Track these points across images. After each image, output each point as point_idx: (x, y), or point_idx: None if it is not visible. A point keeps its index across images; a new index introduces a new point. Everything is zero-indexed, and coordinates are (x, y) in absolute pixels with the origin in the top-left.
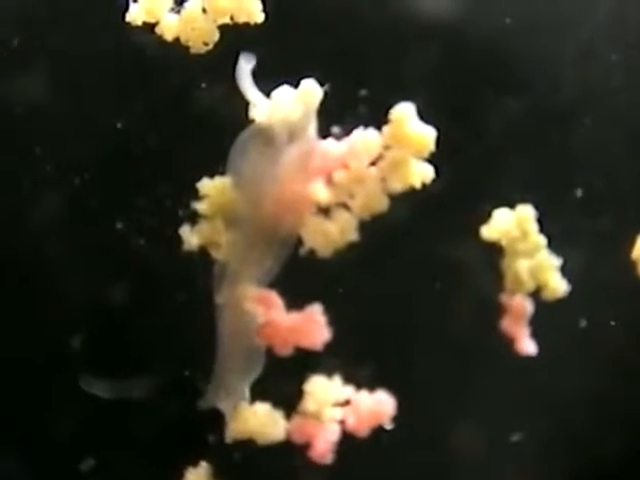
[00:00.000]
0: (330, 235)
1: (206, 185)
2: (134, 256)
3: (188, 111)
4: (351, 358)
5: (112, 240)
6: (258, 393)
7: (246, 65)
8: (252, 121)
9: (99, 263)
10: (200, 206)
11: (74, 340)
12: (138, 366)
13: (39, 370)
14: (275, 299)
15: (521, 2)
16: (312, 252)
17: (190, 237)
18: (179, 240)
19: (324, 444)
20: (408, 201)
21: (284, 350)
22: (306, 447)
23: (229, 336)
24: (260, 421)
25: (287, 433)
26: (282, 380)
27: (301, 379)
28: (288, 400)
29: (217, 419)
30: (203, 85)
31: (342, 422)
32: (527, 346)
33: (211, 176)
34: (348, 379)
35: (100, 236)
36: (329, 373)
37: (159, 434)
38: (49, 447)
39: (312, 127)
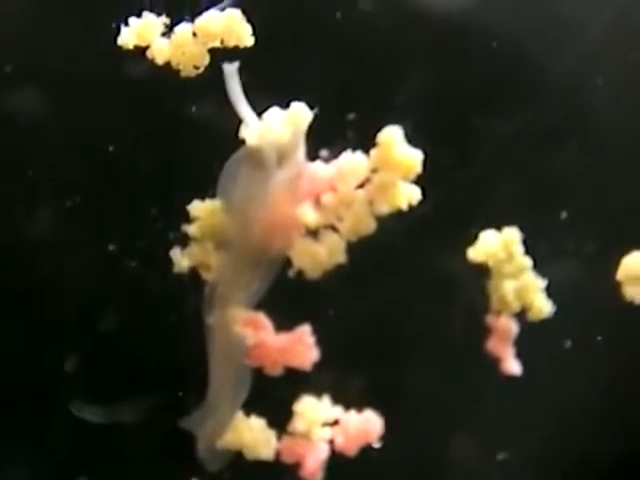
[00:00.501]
0: (318, 257)
1: (196, 207)
2: (126, 278)
3: (179, 134)
4: (340, 376)
5: (104, 262)
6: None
7: (233, 76)
8: (242, 144)
9: (91, 285)
10: (190, 228)
11: (66, 363)
12: (129, 388)
13: (31, 392)
14: (264, 321)
15: (508, 27)
16: (301, 274)
17: (180, 259)
18: (170, 262)
19: (314, 463)
20: (395, 223)
21: (274, 371)
22: (296, 466)
23: (219, 357)
24: (254, 435)
25: (277, 452)
26: (272, 401)
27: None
28: (278, 420)
29: None
30: (193, 109)
31: (331, 441)
32: (512, 366)
33: (202, 199)
34: (338, 397)
35: (92, 258)
36: (318, 393)
37: (151, 452)
38: (42, 466)
39: (301, 150)
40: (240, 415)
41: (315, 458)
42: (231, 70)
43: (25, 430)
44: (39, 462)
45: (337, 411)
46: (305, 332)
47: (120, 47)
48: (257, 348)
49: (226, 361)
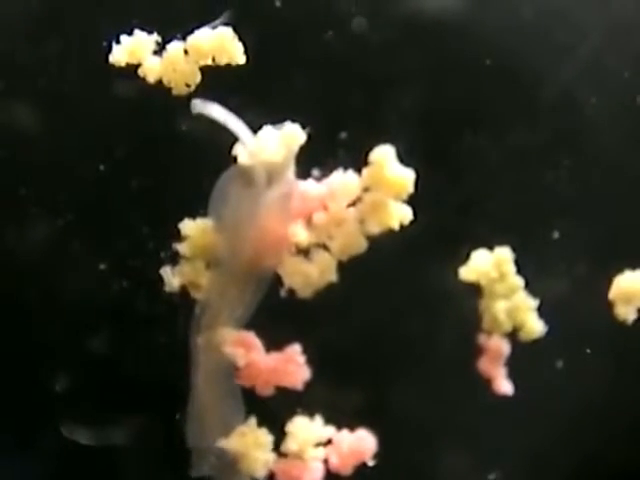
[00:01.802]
0: (310, 276)
1: (187, 226)
2: (117, 298)
3: (170, 153)
4: (332, 395)
5: (95, 282)
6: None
7: (203, 104)
8: (234, 162)
9: (81, 304)
10: (181, 247)
11: (56, 383)
12: (120, 409)
13: (21, 412)
14: (254, 340)
15: (501, 46)
16: (292, 292)
17: (171, 278)
18: (161, 281)
19: None
20: (387, 242)
21: (265, 391)
22: None
23: (207, 378)
24: (253, 442)
25: (271, 474)
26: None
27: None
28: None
29: None
30: (184, 128)
31: (325, 461)
32: (504, 386)
33: (193, 217)
34: (330, 416)
35: (83, 277)
36: (310, 412)
37: (141, 474)
38: None
39: (291, 170)
40: (248, 427)
41: (310, 479)
42: (200, 106)
43: (14, 451)
44: None
45: (330, 430)
46: (296, 351)
47: (111, 65)
48: (248, 368)
49: (215, 382)
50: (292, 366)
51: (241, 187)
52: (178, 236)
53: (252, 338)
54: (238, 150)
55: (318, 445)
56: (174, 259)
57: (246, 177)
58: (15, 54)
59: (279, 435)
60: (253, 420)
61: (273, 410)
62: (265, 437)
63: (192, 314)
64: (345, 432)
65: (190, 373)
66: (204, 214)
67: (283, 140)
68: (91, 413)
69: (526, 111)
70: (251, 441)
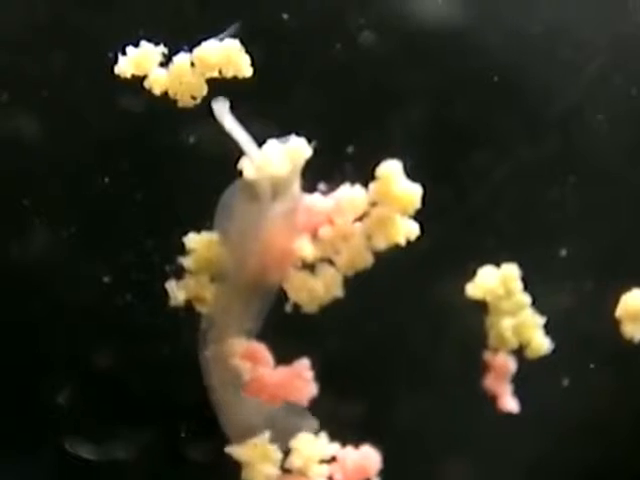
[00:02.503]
0: (315, 291)
1: (192, 240)
2: (120, 311)
3: (175, 165)
4: (336, 411)
5: (99, 295)
6: None
7: (224, 108)
8: (239, 176)
9: (85, 318)
10: (186, 261)
11: (59, 397)
12: (123, 424)
13: (23, 426)
14: (263, 353)
15: (508, 63)
16: (297, 307)
17: (176, 292)
18: (165, 295)
19: None
20: (394, 258)
21: (271, 404)
22: None
23: (220, 389)
24: (262, 454)
25: None
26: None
27: None
28: None
29: (203, 475)
30: (191, 140)
31: (329, 478)
32: (509, 404)
33: (198, 231)
34: (334, 432)
35: (86, 290)
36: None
37: None
38: None
39: (296, 184)
40: (260, 440)
41: None
42: (221, 108)
43: (16, 465)
44: None
45: (334, 447)
46: (304, 367)
47: (117, 76)
48: (254, 382)
49: (227, 391)
50: (300, 382)
51: (246, 201)
52: (183, 249)
53: (262, 350)
54: (243, 164)
55: (322, 462)
56: (179, 273)
57: (251, 191)
58: (19, 65)
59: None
60: (267, 434)
61: None
62: (275, 453)
63: (196, 328)
64: (350, 449)
65: (194, 387)
66: (209, 227)
67: (288, 154)
68: (94, 427)
69: (533, 127)
70: (260, 454)
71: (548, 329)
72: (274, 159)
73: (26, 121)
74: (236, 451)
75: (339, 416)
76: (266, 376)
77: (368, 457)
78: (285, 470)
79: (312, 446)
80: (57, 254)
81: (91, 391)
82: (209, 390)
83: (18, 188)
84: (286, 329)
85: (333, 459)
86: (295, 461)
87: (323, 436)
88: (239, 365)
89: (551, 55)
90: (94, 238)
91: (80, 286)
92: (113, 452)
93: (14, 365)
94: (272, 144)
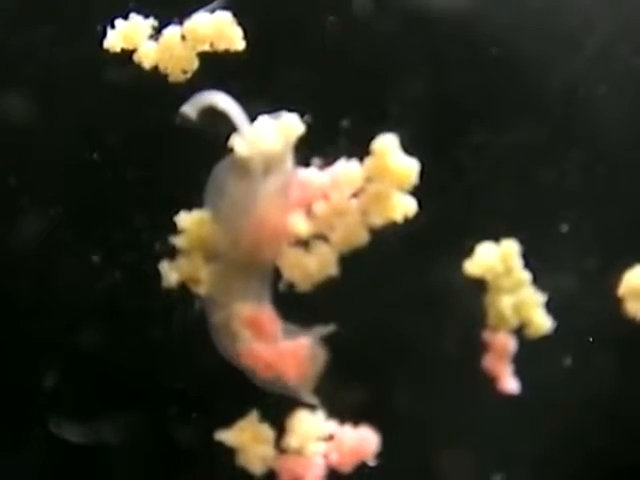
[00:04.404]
0: (309, 269)
1: (184, 219)
2: (109, 290)
3: (165, 141)
4: (334, 391)
5: (88, 273)
6: None
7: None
8: (230, 152)
9: (73, 297)
10: (178, 240)
11: (45, 379)
12: (111, 406)
13: (8, 408)
14: (269, 323)
15: (508, 35)
16: (290, 286)
17: (169, 273)
18: (157, 274)
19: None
20: (391, 234)
21: (265, 376)
22: None
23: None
24: (253, 436)
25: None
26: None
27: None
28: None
29: (192, 460)
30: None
31: (325, 457)
32: (510, 384)
33: (188, 207)
34: (331, 412)
35: (76, 269)
36: (312, 407)
37: (133, 473)
38: None
39: (289, 159)
40: (248, 421)
41: (314, 475)
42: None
43: (2, 448)
44: None
45: (331, 426)
46: (301, 346)
47: (106, 50)
48: (250, 352)
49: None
50: (293, 361)
51: (237, 178)
52: (173, 228)
53: (268, 319)
54: (235, 141)
55: (319, 440)
56: (170, 252)
57: (242, 167)
58: (3, 39)
59: (280, 432)
60: (254, 414)
61: (274, 405)
62: (266, 432)
63: (186, 309)
64: (347, 428)
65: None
66: (200, 205)
67: (280, 130)
68: (81, 410)
69: (533, 101)
70: (251, 435)
71: (549, 307)
72: (266, 135)
73: (11, 97)
74: (226, 437)
75: (337, 399)
76: (262, 350)
77: (365, 439)
78: (282, 450)
79: (309, 423)
80: (44, 233)
81: (78, 373)
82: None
83: (4, 166)
84: (283, 310)
85: (330, 439)
86: (291, 439)
87: (320, 414)
88: (239, 330)
89: (551, 27)
90: (83, 216)
91: (68, 266)
92: (101, 435)
93: None
94: (264, 120)
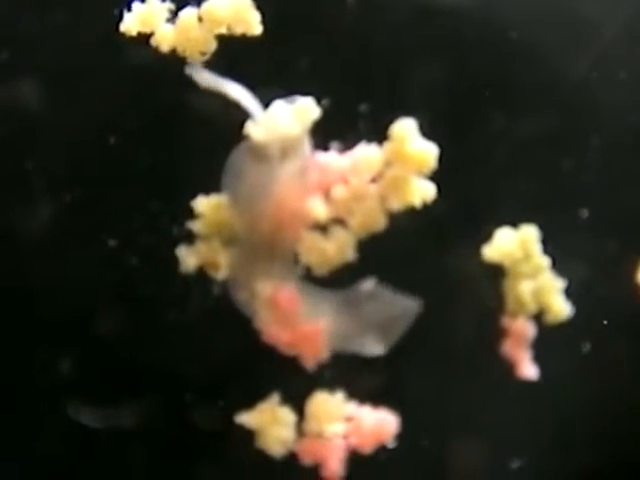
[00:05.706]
0: (327, 253)
1: (201, 203)
2: (126, 276)
3: (182, 125)
4: (351, 375)
5: (104, 258)
6: None
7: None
8: (247, 137)
9: (89, 283)
10: (196, 225)
11: (61, 365)
12: (128, 391)
13: (25, 394)
14: (290, 300)
15: (527, 21)
16: (308, 270)
17: (187, 258)
18: (174, 259)
19: (335, 462)
20: (410, 219)
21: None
22: (316, 468)
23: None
24: (273, 419)
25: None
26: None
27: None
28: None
29: (211, 445)
30: (197, 100)
31: (345, 438)
32: (528, 370)
33: (206, 192)
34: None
35: (92, 254)
36: (331, 388)
37: (150, 457)
38: (36, 472)
39: (306, 143)
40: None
41: (335, 456)
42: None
43: (19, 435)
44: (33, 468)
45: (351, 407)
46: (316, 332)
47: (122, 34)
48: (269, 332)
49: None
50: (309, 346)
51: (254, 162)
52: (190, 212)
53: (290, 301)
54: (249, 127)
55: (339, 421)
56: (187, 237)
57: (258, 152)
58: (19, 23)
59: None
60: (275, 397)
61: (295, 389)
62: (286, 415)
63: (204, 294)
64: (366, 410)
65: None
66: (218, 189)
67: (296, 115)
68: (97, 395)
69: (553, 86)
70: (270, 418)
71: (568, 293)
72: (281, 120)
73: (26, 81)
74: (246, 419)
75: (354, 384)
76: (279, 333)
77: (385, 422)
78: (302, 433)
79: (328, 405)
80: (60, 217)
81: (95, 358)
82: None
83: (20, 151)
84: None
85: (349, 420)
86: (311, 421)
87: (339, 395)
88: (259, 310)
89: (571, 10)
90: (99, 201)
91: (85, 251)
92: (119, 420)
93: (15, 331)
94: (279, 105)
